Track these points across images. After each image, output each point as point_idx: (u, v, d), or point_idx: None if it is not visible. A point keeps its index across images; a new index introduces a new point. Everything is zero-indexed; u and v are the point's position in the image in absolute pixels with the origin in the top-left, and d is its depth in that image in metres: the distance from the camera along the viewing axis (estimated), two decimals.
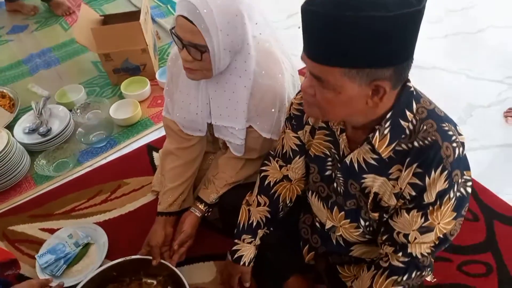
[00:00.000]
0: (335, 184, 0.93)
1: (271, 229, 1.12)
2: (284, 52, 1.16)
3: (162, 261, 1.20)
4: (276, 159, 1.10)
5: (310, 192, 1.05)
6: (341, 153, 0.88)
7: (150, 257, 1.21)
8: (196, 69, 1.00)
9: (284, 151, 1.05)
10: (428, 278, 1.01)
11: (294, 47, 1.18)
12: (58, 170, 1.64)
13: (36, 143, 1.67)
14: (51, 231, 1.43)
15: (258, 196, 1.11)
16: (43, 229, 1.44)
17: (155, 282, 1.24)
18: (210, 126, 1.21)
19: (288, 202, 1.11)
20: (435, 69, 1.97)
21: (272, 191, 1.10)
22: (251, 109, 1.11)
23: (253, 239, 1.10)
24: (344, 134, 0.85)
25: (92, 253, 1.36)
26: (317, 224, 1.06)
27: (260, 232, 1.10)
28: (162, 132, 1.75)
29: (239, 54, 1.02)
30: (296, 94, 1.00)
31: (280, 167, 1.09)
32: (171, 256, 1.22)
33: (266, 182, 1.10)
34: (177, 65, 1.15)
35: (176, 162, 1.28)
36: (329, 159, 0.93)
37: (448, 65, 2.00)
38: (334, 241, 1.03)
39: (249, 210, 1.11)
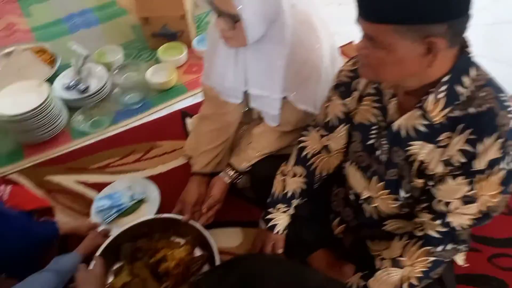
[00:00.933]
0: (377, 153, 0.93)
1: (305, 200, 1.14)
2: (323, 23, 1.14)
3: (191, 222, 1.23)
4: (317, 128, 1.10)
5: (349, 162, 1.05)
6: (388, 119, 0.88)
7: (180, 217, 1.25)
8: (231, 37, 1.01)
9: (327, 120, 1.05)
10: (460, 261, 1.01)
11: (334, 25, 1.17)
12: (94, 127, 1.69)
13: (74, 99, 1.72)
14: (86, 184, 1.49)
15: (295, 167, 1.12)
16: (78, 182, 1.50)
17: (183, 241, 1.28)
18: (246, 95, 1.22)
19: (324, 174, 1.12)
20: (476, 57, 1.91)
21: (310, 163, 1.11)
22: (287, 79, 1.11)
23: (287, 209, 1.12)
24: (394, 99, 0.85)
25: (144, 209, 1.41)
26: (351, 197, 1.06)
27: (295, 202, 1.12)
28: (195, 99, 1.77)
29: (275, 23, 1.01)
30: (347, 61, 0.99)
31: (321, 136, 1.09)
32: (199, 218, 1.26)
33: (304, 153, 1.11)
34: (216, 32, 1.16)
35: (211, 126, 1.31)
36: (374, 126, 0.93)
37: (488, 53, 1.93)
38: (367, 214, 1.03)
39: (284, 180, 1.12)
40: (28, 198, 1.39)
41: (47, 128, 1.60)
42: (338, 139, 1.05)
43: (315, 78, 1.11)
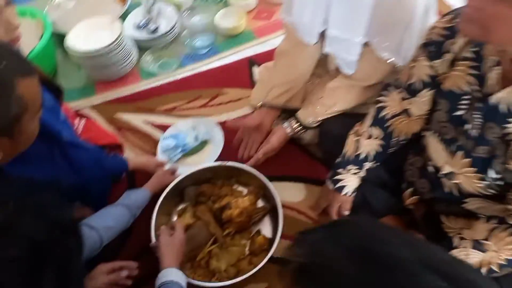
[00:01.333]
0: (467, 126, 0.84)
1: (377, 164, 1.08)
2: None
3: (255, 172, 1.23)
4: (399, 90, 1.02)
5: (430, 132, 0.97)
6: (485, 90, 0.78)
7: (244, 166, 1.25)
8: None
9: (411, 81, 0.97)
10: None
11: None
12: (162, 68, 1.69)
13: (144, 39, 1.72)
14: (153, 124, 1.52)
15: (371, 128, 1.06)
16: (145, 122, 1.53)
17: (245, 190, 1.29)
18: (322, 37, 1.14)
19: (402, 139, 1.05)
20: None
21: (387, 124, 1.04)
22: (372, 22, 1.01)
23: (358, 171, 1.07)
24: (498, 68, 0.75)
25: (208, 150, 1.42)
26: (430, 169, 0.99)
27: (367, 165, 1.07)
28: (264, 48, 1.71)
29: None
30: (442, 17, 0.88)
31: (402, 99, 1.01)
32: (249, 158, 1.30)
33: (382, 114, 1.04)
34: None
35: (288, 61, 1.27)
36: (467, 96, 0.84)
37: None
38: (446, 190, 0.96)
39: (357, 141, 1.07)
40: (100, 133, 1.45)
41: (118, 66, 1.62)
42: (420, 104, 0.98)
43: (404, 25, 1.01)
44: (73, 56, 1.59)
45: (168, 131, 1.46)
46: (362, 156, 1.06)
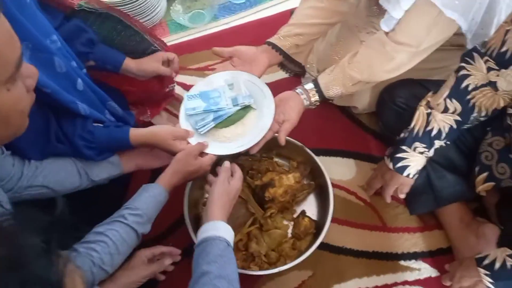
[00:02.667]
0: None
1: (447, 142, 0.93)
2: None
3: (302, 145, 1.09)
4: (486, 58, 0.84)
5: None
6: None
7: (288, 138, 1.09)
8: None
9: (504, 49, 0.80)
10: None
11: None
12: (193, 21, 1.54)
13: None
14: (183, 85, 1.38)
15: (448, 100, 0.89)
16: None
17: (286, 164, 1.16)
18: None
19: (483, 114, 0.89)
20: None
21: (469, 97, 0.88)
22: None
23: (426, 150, 0.93)
24: None
25: (250, 119, 1.00)
26: None
27: (437, 144, 0.92)
28: None
29: None
30: None
31: (489, 69, 0.84)
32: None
33: (464, 85, 0.88)
34: None
35: (314, 5, 1.08)
36: None
37: None
38: None
39: (429, 114, 0.91)
40: None
41: (145, 17, 1.47)
42: (511, 78, 0.82)
43: None
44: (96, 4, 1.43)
45: (195, 87, 1.05)
46: (434, 132, 0.92)
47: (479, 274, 0.84)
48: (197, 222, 1.06)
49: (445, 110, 0.90)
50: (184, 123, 1.00)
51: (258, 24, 1.51)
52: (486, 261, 0.84)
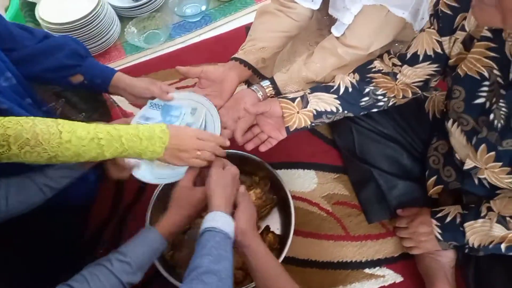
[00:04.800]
0: (490, 117, 0.75)
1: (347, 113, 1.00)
2: None
3: (262, 161, 1.11)
4: (391, 56, 0.95)
5: (451, 121, 0.88)
6: (511, 76, 0.70)
7: (248, 154, 1.13)
8: None
9: (413, 51, 0.89)
10: None
11: None
12: (148, 41, 1.55)
13: (126, 8, 1.57)
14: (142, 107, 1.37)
15: (351, 73, 0.99)
16: (134, 105, 1.39)
17: (249, 180, 1.18)
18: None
19: (379, 92, 0.96)
20: None
21: (369, 75, 0.96)
22: None
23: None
24: None
25: None
26: (458, 157, 0.89)
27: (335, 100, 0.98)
28: None
29: None
30: None
31: (393, 65, 0.94)
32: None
33: (369, 66, 0.97)
34: None
35: (271, 19, 1.08)
36: (486, 82, 0.76)
37: None
38: (475, 180, 0.88)
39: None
40: None
41: (99, 40, 1.49)
42: (412, 76, 0.92)
43: None
44: (45, 28, 1.43)
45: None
46: (334, 88, 0.97)
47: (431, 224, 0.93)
48: None
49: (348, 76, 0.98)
50: None
51: (214, 41, 1.54)
52: (440, 214, 0.93)
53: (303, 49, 1.23)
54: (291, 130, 0.97)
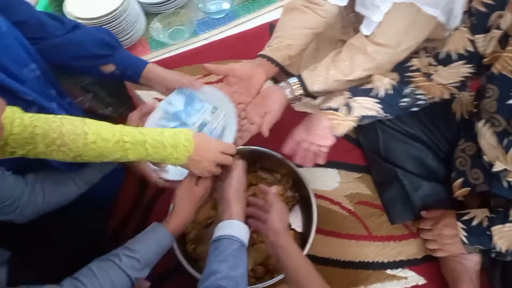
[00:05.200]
0: None
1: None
2: None
3: (282, 157, 1.11)
4: (427, 54, 0.92)
5: (482, 121, 0.86)
6: None
7: (269, 150, 1.13)
8: None
9: (446, 50, 0.87)
10: None
11: None
12: (173, 37, 1.57)
13: (152, 4, 1.59)
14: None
15: (389, 72, 0.98)
16: (157, 98, 1.40)
17: (270, 177, 1.18)
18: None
19: (418, 92, 0.94)
20: None
21: (408, 74, 0.95)
22: None
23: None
24: None
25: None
26: (485, 158, 0.87)
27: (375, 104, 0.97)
28: None
29: None
30: None
31: (428, 64, 0.92)
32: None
33: (407, 64, 0.95)
34: None
35: (297, 16, 1.07)
36: None
37: None
38: (504, 184, 0.86)
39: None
40: None
41: (125, 35, 1.51)
42: (447, 77, 0.89)
43: None
44: None
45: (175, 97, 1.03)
46: (374, 91, 0.96)
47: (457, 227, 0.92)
48: (183, 239, 1.08)
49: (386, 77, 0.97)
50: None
51: (237, 38, 1.55)
52: (466, 217, 0.92)
53: (327, 48, 1.23)
54: (339, 135, 0.98)
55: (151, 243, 0.81)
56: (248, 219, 0.92)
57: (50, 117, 0.70)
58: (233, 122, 0.98)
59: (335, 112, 0.96)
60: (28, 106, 0.78)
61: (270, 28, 1.53)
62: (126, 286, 0.77)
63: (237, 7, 1.62)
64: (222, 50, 1.51)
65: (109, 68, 0.99)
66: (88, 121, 0.73)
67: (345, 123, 0.96)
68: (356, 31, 1.06)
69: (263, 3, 1.61)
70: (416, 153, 1.05)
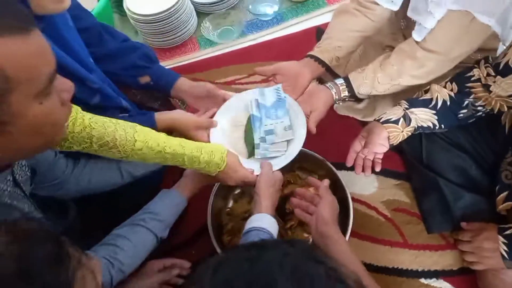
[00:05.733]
0: None
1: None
2: None
3: (322, 159, 1.12)
4: (486, 65, 0.90)
5: None
6: None
7: (310, 151, 1.15)
8: None
9: (505, 60, 0.84)
10: None
11: None
12: (222, 37, 1.62)
13: (205, 4, 1.65)
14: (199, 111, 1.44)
15: (448, 83, 0.96)
16: (191, 110, 1.46)
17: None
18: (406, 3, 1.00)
19: (478, 103, 0.93)
20: None
21: (469, 84, 0.93)
22: None
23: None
24: None
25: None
26: None
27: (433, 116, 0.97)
28: None
29: None
30: None
31: (487, 75, 0.90)
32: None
33: (468, 74, 0.93)
34: None
35: (348, 19, 1.10)
36: None
37: None
38: None
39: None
40: None
41: (177, 33, 1.58)
42: (505, 86, 0.86)
43: None
44: (131, 19, 1.55)
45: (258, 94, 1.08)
46: (433, 102, 0.96)
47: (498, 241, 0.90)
48: (220, 231, 1.12)
49: (444, 88, 0.96)
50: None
51: (284, 40, 1.58)
52: (508, 232, 0.89)
53: (374, 53, 1.23)
54: (395, 144, 1.00)
55: (171, 208, 0.94)
56: (295, 209, 0.97)
57: (107, 120, 0.79)
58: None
59: (394, 125, 0.98)
60: (93, 93, 0.86)
61: (317, 32, 1.55)
62: (154, 245, 0.90)
63: (285, 10, 1.65)
64: (269, 51, 1.55)
65: (145, 79, 1.10)
66: (139, 128, 0.83)
67: (402, 134, 0.98)
68: (406, 37, 1.07)
69: (311, 8, 1.63)
70: (460, 163, 1.03)
